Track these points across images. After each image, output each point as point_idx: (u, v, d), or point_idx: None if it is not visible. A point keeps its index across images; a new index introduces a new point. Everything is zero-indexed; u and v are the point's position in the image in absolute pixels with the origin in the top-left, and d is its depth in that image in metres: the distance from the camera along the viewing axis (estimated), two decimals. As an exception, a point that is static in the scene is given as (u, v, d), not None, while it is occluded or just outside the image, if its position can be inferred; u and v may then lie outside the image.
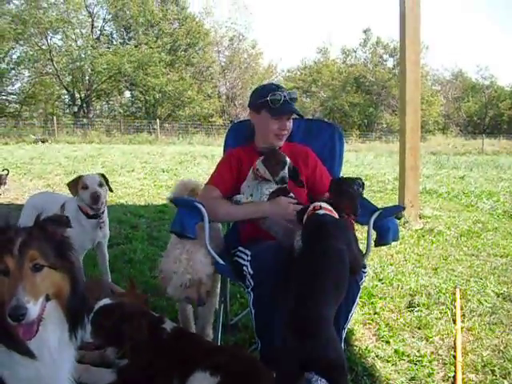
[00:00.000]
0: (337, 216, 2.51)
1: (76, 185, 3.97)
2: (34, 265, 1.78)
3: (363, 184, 2.86)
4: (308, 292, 2.11)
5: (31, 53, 35.19)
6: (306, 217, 2.52)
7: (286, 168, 2.86)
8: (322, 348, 1.97)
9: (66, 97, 40.38)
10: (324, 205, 2.51)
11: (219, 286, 3.30)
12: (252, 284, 2.59)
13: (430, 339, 3.40)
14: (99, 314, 2.61)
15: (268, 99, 3.02)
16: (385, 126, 44.18)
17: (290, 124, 3.14)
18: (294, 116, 3.19)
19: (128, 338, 2.58)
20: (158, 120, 32.21)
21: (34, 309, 1.70)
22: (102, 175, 4.13)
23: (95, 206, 3.93)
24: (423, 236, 6.45)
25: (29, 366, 1.83)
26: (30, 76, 37.35)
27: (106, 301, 2.73)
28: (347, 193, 2.67)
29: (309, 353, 1.95)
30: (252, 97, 3.22)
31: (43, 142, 24.19)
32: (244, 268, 2.64)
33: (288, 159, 2.89)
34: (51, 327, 1.87)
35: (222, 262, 2.84)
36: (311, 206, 2.52)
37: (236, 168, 3.14)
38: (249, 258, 2.65)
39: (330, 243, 2.24)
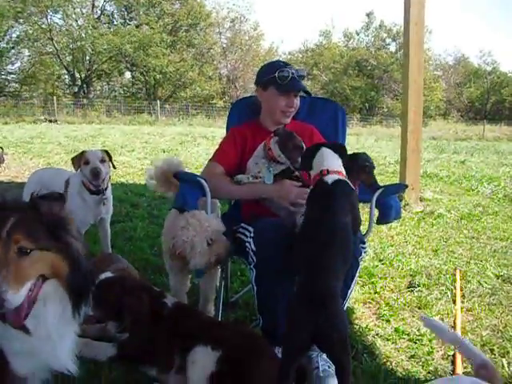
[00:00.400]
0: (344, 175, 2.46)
1: (79, 160, 3.97)
2: (20, 249, 1.69)
3: (370, 162, 2.88)
4: (318, 264, 2.11)
5: (31, 32, 34.88)
6: (312, 182, 2.46)
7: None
8: (331, 320, 1.98)
9: (66, 77, 40.14)
10: (331, 167, 2.42)
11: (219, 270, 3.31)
12: (254, 260, 2.58)
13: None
14: (100, 288, 2.60)
15: (276, 75, 2.99)
16: (386, 110, 43.97)
17: (297, 101, 3.11)
18: (301, 94, 3.17)
19: (128, 311, 2.59)
20: (158, 101, 32.05)
21: (15, 297, 1.63)
22: (106, 151, 4.13)
23: (95, 181, 3.92)
24: (424, 218, 6.45)
25: (24, 341, 1.82)
26: (29, 55, 37.14)
27: (107, 274, 2.73)
28: (365, 166, 2.71)
29: (318, 325, 1.95)
30: (259, 74, 3.19)
31: (51, 122, 24.14)
32: (247, 244, 2.64)
33: (303, 144, 2.85)
34: (51, 305, 1.84)
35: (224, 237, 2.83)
36: (317, 170, 2.43)
37: (240, 145, 3.12)
38: (251, 235, 2.64)
39: (337, 217, 2.22)
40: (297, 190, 2.81)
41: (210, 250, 2.71)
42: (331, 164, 2.43)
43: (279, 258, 2.47)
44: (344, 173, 2.44)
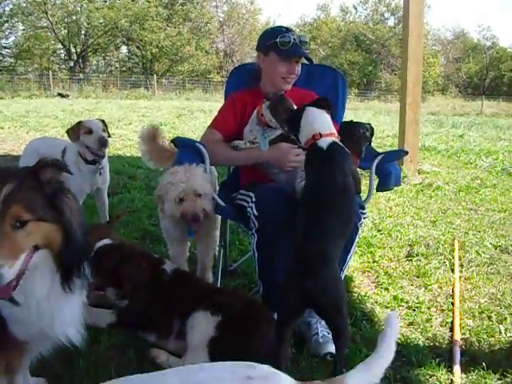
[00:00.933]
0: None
1: (78, 130, 3.94)
2: (17, 221, 1.61)
3: (372, 129, 2.88)
4: (316, 228, 2.11)
5: (24, 5, 34.50)
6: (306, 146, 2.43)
7: None
8: (324, 285, 1.98)
9: (62, 51, 39.77)
10: (323, 130, 2.38)
11: (218, 231, 3.30)
12: (256, 225, 2.57)
13: (429, 287, 3.43)
14: (98, 255, 2.60)
15: (277, 41, 2.93)
16: (384, 85, 43.73)
17: (298, 68, 3.05)
18: (303, 60, 3.12)
19: (128, 278, 2.58)
20: (155, 75, 31.81)
21: (9, 272, 1.57)
22: (102, 121, 4.10)
23: (101, 151, 3.92)
24: (422, 190, 6.44)
25: (16, 311, 1.78)
26: (24, 30, 36.75)
27: (105, 241, 2.72)
28: (353, 135, 2.72)
29: (311, 288, 1.95)
30: (260, 39, 3.14)
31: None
32: (248, 210, 2.62)
33: (294, 106, 2.83)
34: (39, 277, 1.77)
35: (223, 203, 2.82)
36: (309, 134, 2.40)
37: (240, 111, 3.09)
38: (253, 200, 2.63)
39: (336, 179, 2.20)
40: (294, 150, 2.78)
41: (176, 206, 2.76)
42: (321, 126, 2.39)
43: (281, 222, 2.46)
44: (336, 133, 2.42)
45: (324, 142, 2.32)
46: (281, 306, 2.11)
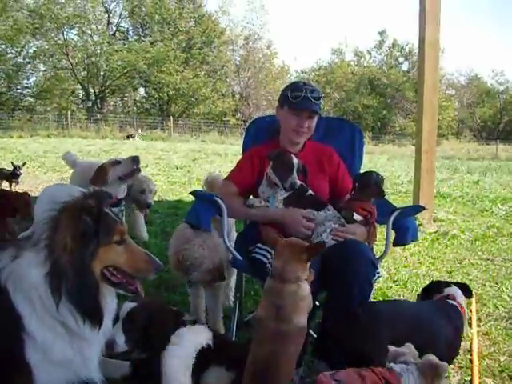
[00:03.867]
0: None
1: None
2: None
3: (382, 177, 2.91)
4: None
5: (47, 47, 35.48)
6: None
7: (295, 172, 2.83)
8: None
9: (81, 92, 40.61)
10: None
11: (232, 281, 3.31)
12: None
13: (446, 342, 3.36)
14: (129, 320, 2.57)
15: (288, 94, 3.00)
16: (398, 129, 43.97)
17: (310, 124, 3.07)
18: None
19: (156, 338, 2.54)
20: (171, 117, 32.29)
21: None
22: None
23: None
24: (437, 239, 6.39)
25: (68, 351, 1.96)
26: (45, 70, 37.70)
27: (130, 305, 2.68)
28: (371, 178, 2.83)
29: None
30: (281, 92, 3.20)
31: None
32: (268, 266, 2.60)
33: (296, 160, 2.85)
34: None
35: (240, 257, 2.82)
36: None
37: (258, 166, 3.11)
38: (274, 257, 2.62)
39: None
40: (306, 224, 2.78)
41: (208, 273, 2.96)
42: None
43: None
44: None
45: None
46: None
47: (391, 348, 2.12)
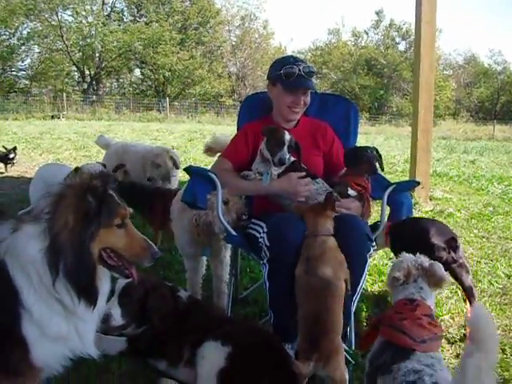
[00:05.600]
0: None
1: None
2: None
3: (377, 150, 2.89)
4: None
5: (41, 29, 35.10)
6: None
7: (285, 148, 2.81)
8: None
9: (76, 74, 40.22)
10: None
11: (228, 254, 3.33)
12: (268, 256, 2.57)
13: (441, 317, 3.39)
14: (125, 295, 2.58)
15: (282, 73, 2.97)
16: (395, 109, 43.78)
17: (305, 99, 3.07)
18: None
19: (155, 313, 2.55)
20: (167, 98, 32.12)
21: None
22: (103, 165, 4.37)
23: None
24: (433, 217, 6.40)
25: (65, 323, 1.96)
26: (39, 52, 37.27)
27: (126, 280, 2.67)
28: (363, 155, 2.82)
29: None
30: (270, 69, 3.17)
31: (53, 117, 24.48)
32: (260, 240, 2.62)
33: (288, 136, 2.84)
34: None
35: (234, 233, 2.83)
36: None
37: (252, 142, 3.10)
38: (265, 230, 2.63)
39: None
40: (303, 181, 2.80)
41: (227, 208, 2.88)
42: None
43: (293, 252, 2.46)
44: None
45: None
46: None
47: None
